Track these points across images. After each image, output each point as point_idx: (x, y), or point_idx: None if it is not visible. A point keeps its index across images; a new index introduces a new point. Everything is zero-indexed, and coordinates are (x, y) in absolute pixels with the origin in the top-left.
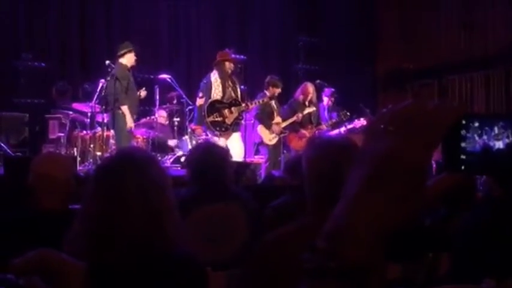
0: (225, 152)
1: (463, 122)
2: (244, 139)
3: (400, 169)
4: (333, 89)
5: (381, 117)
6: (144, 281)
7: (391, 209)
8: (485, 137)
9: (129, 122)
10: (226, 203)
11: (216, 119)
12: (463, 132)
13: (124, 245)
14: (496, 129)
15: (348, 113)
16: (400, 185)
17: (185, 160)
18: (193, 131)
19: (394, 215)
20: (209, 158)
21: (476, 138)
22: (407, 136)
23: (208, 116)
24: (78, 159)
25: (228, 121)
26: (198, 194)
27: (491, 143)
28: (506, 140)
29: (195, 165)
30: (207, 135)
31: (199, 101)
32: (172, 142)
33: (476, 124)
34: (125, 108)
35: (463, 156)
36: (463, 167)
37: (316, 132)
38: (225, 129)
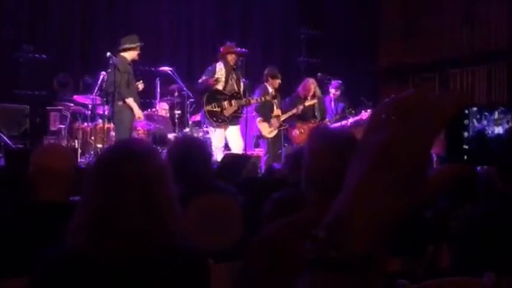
0: (203, 145)
1: (466, 111)
2: (245, 132)
3: (400, 158)
4: (340, 81)
5: (383, 107)
6: (145, 273)
7: (390, 200)
8: (484, 122)
9: (138, 113)
10: (223, 194)
11: (214, 109)
12: (466, 121)
13: (124, 237)
14: (496, 114)
15: (354, 111)
16: (400, 175)
17: (166, 157)
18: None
19: (394, 206)
20: (187, 154)
21: (475, 123)
22: (408, 125)
23: (207, 105)
24: (79, 151)
25: (226, 113)
26: (184, 191)
27: (490, 128)
28: (506, 126)
29: (174, 162)
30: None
31: (199, 81)
32: (172, 136)
33: (475, 109)
34: (130, 101)
35: (465, 146)
36: (465, 157)
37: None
38: (221, 121)
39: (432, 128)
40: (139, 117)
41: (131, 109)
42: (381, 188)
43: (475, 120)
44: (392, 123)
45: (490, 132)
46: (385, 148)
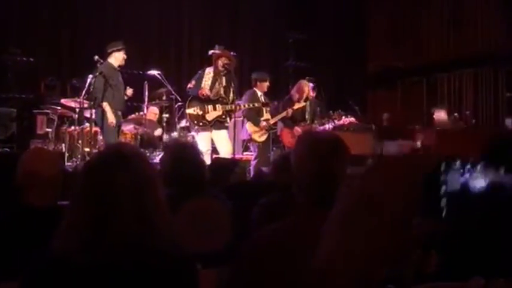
0: (196, 149)
1: (443, 166)
2: (234, 136)
3: (383, 209)
4: (312, 84)
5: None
6: (136, 278)
7: (370, 247)
8: (467, 175)
9: (111, 117)
10: (212, 198)
11: (195, 113)
12: (442, 177)
13: (115, 242)
14: (478, 168)
15: (343, 115)
16: (382, 223)
17: (159, 162)
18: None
19: (370, 257)
20: (179, 158)
21: (457, 177)
22: (390, 179)
23: (188, 108)
24: (66, 155)
25: (208, 117)
26: (174, 194)
27: (472, 182)
28: (487, 180)
29: (166, 165)
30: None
31: (189, 85)
32: (158, 132)
33: (457, 164)
34: (105, 105)
35: (443, 201)
36: (443, 214)
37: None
38: (203, 125)
39: (411, 185)
40: (111, 122)
41: (116, 113)
42: (352, 236)
43: (457, 175)
44: (376, 174)
45: (472, 187)
46: (369, 196)
